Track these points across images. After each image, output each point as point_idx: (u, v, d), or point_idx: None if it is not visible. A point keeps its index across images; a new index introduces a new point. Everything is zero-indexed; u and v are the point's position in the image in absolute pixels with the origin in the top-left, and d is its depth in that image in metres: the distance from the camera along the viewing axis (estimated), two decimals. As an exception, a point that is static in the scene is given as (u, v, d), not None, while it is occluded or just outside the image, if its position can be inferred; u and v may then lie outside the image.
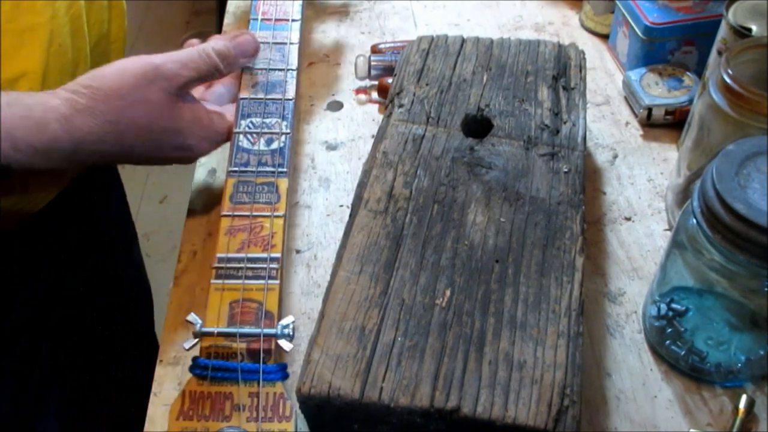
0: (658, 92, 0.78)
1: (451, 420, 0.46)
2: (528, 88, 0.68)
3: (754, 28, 0.66)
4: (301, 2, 0.74)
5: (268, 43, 0.70)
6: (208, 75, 0.61)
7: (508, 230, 0.56)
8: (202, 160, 0.78)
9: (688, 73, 0.79)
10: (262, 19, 0.72)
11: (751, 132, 0.56)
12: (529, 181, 0.60)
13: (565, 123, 0.65)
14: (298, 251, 0.68)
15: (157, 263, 1.91)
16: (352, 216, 0.59)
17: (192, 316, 0.52)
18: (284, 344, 0.51)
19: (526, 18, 0.96)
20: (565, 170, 0.61)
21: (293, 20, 0.73)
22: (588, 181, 0.70)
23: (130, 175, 2.15)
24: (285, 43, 0.71)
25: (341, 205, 0.72)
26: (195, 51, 0.60)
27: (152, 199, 2.07)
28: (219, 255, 0.56)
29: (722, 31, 0.68)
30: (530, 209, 0.58)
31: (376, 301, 0.52)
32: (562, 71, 0.71)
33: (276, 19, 0.73)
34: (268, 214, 0.60)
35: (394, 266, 0.54)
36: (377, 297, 0.52)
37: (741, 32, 0.65)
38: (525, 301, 0.52)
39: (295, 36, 0.71)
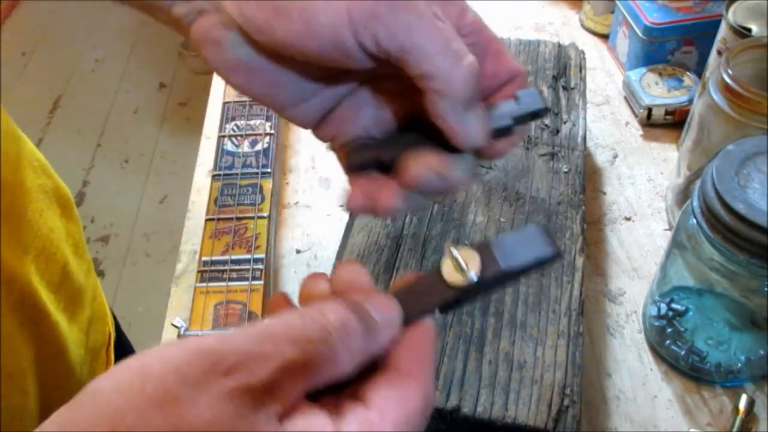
0: (658, 92, 0.77)
1: (451, 420, 0.46)
2: (528, 88, 0.68)
3: (754, 28, 0.66)
4: None
5: None
6: (320, 366, 0.27)
7: (508, 230, 0.56)
8: (203, 159, 0.78)
9: (688, 73, 0.79)
10: None
11: (751, 132, 0.56)
12: (529, 181, 0.60)
13: (565, 123, 0.65)
14: (298, 251, 0.68)
15: (157, 263, 1.92)
16: (352, 216, 0.59)
17: (177, 320, 0.52)
18: None
19: (526, 18, 0.96)
20: (565, 170, 0.61)
21: None
22: (588, 181, 0.70)
23: (130, 175, 2.17)
24: None
25: (341, 205, 0.72)
26: (295, 316, 0.27)
27: (152, 199, 2.07)
28: (204, 258, 0.57)
29: (722, 31, 0.68)
30: (530, 209, 0.58)
31: (376, 301, 0.52)
32: (562, 71, 0.71)
33: None
34: (252, 215, 0.60)
35: (394, 266, 0.54)
36: (377, 297, 0.52)
37: (741, 32, 0.65)
38: (525, 301, 0.51)
39: None
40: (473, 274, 0.31)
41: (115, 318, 0.78)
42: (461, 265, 0.31)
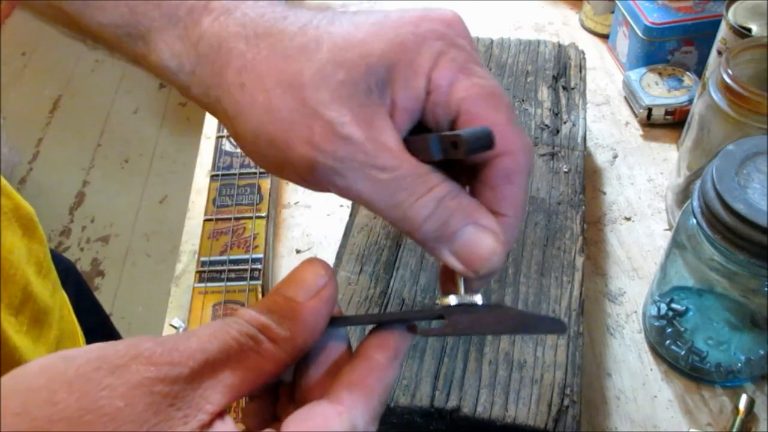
0: (658, 92, 0.77)
1: (451, 420, 0.46)
2: (528, 88, 0.68)
3: (754, 28, 0.66)
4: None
5: None
6: (243, 366, 0.26)
7: (508, 230, 0.56)
8: (203, 159, 0.78)
9: (688, 73, 0.78)
10: None
11: (751, 132, 0.56)
12: (529, 181, 0.60)
13: (565, 123, 0.65)
14: (298, 251, 0.68)
15: (157, 263, 1.92)
16: (352, 216, 0.59)
17: (176, 320, 0.52)
18: None
19: (526, 18, 0.96)
20: (565, 170, 0.61)
21: None
22: (588, 181, 0.70)
23: (130, 176, 2.17)
24: None
25: (341, 205, 0.72)
26: (219, 323, 0.27)
27: (152, 199, 2.07)
28: (202, 259, 0.57)
29: (722, 31, 0.68)
30: (530, 209, 0.58)
31: (377, 301, 0.52)
32: (562, 71, 0.70)
33: None
34: (251, 215, 0.60)
35: (394, 266, 0.54)
36: (377, 297, 0.52)
37: (741, 32, 0.65)
38: (525, 301, 0.51)
39: None
40: (455, 298, 0.30)
41: (111, 322, 0.77)
42: (459, 288, 0.30)
